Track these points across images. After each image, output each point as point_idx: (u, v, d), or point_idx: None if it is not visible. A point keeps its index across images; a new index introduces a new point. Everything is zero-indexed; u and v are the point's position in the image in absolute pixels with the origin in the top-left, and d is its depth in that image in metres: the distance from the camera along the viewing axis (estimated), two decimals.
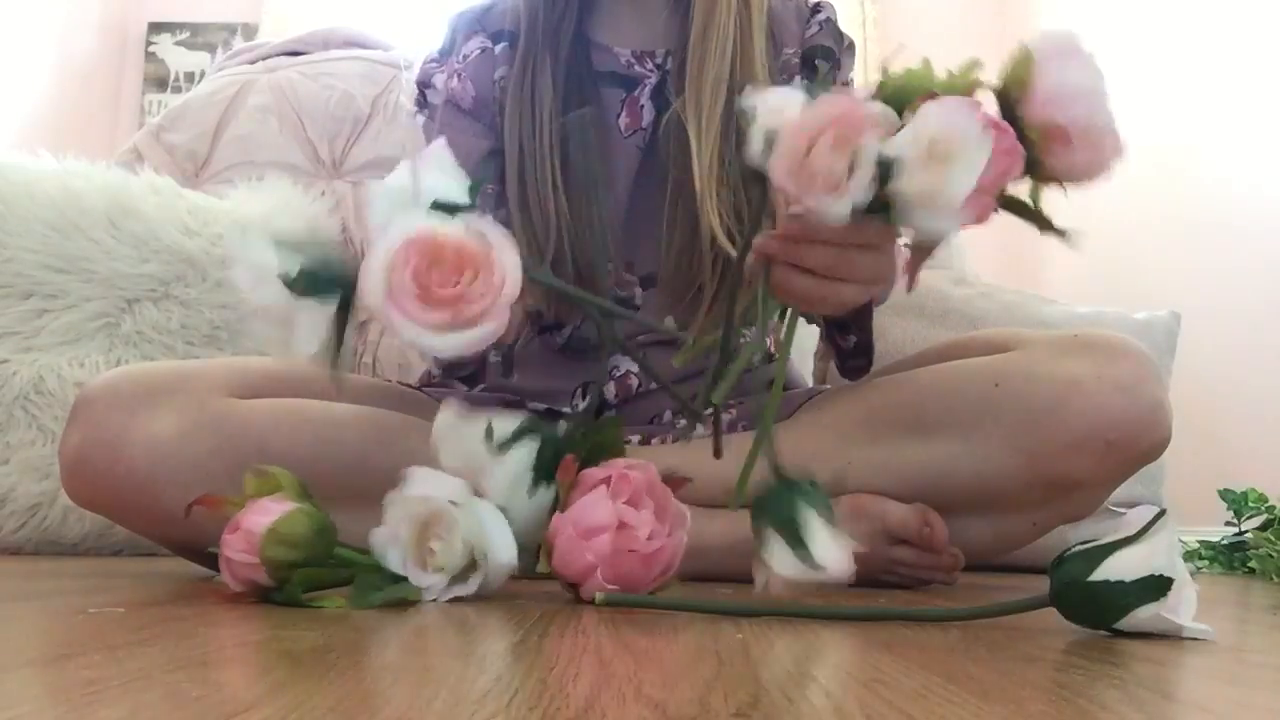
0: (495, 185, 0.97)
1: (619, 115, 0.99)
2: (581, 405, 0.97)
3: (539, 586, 0.74)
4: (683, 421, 0.96)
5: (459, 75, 1.01)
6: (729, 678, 0.38)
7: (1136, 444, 0.80)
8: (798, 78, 0.99)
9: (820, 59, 1.01)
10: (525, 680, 0.37)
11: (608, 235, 0.95)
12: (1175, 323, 1.49)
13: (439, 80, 1.03)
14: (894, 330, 1.42)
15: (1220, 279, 1.96)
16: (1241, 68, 1.96)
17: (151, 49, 3.14)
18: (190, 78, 3.11)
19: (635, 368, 0.97)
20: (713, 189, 0.92)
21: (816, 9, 1.04)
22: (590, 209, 0.95)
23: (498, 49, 1.01)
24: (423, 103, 1.06)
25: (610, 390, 0.97)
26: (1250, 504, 1.44)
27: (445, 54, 1.05)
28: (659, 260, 0.96)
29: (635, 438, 0.94)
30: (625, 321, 0.98)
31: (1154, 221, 2.15)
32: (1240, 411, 1.90)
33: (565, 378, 0.98)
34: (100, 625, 0.51)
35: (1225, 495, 1.44)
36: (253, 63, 1.71)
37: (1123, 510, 1.30)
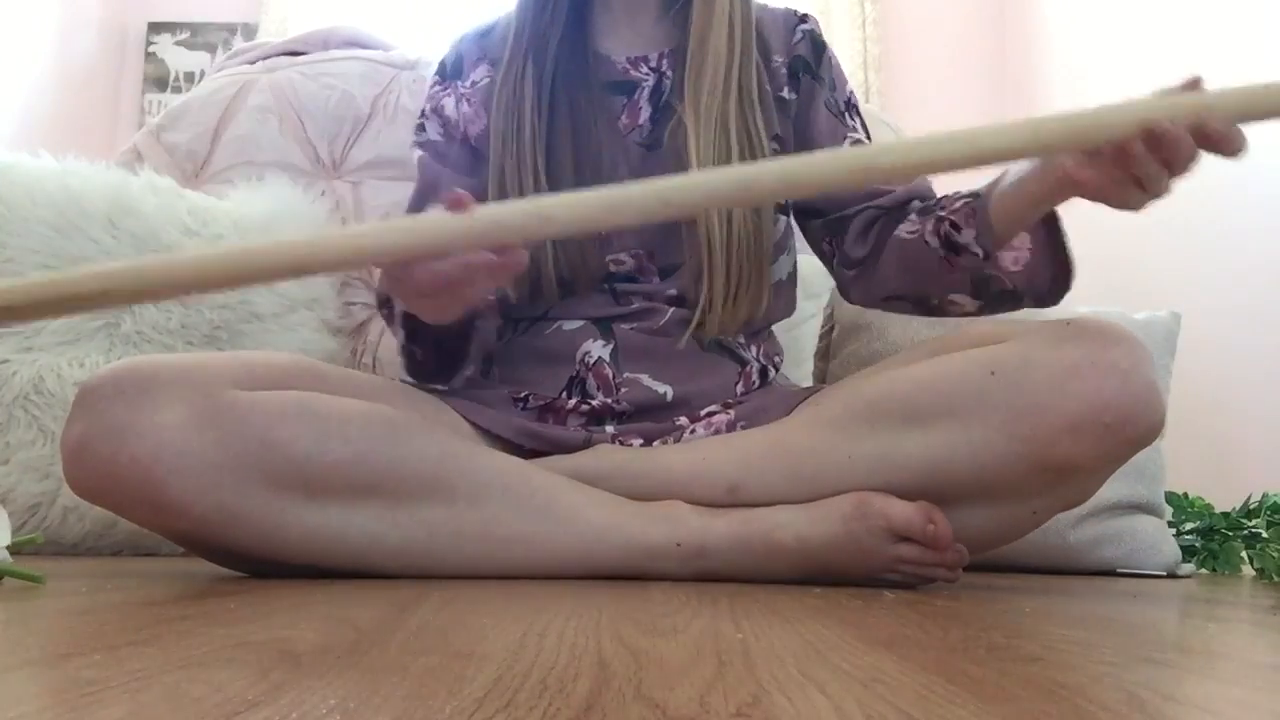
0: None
1: (620, 118, 1.03)
2: (570, 404, 0.97)
3: (538, 586, 0.74)
4: (683, 419, 0.96)
5: (468, 100, 1.06)
6: (729, 678, 0.38)
7: (1133, 426, 0.80)
8: (786, 88, 1.05)
9: (803, 73, 1.06)
10: (525, 680, 0.37)
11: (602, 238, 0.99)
12: (1175, 323, 1.49)
13: (449, 104, 1.07)
14: (894, 329, 1.42)
15: (1220, 279, 1.96)
16: (1242, 67, 1.96)
17: (151, 49, 3.14)
18: (190, 78, 3.11)
19: (607, 354, 0.98)
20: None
21: (803, 19, 1.09)
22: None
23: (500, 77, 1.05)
24: (423, 129, 1.08)
25: (592, 384, 0.98)
26: (1194, 509, 1.45)
27: (452, 76, 1.09)
28: (677, 252, 1.00)
29: (638, 440, 0.95)
30: (624, 292, 1.02)
31: (1154, 221, 2.14)
32: (1240, 411, 1.89)
33: (544, 376, 0.99)
34: (100, 625, 0.51)
35: (1170, 499, 1.44)
36: (253, 63, 1.71)
37: (1128, 511, 1.31)
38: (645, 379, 0.98)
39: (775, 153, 1.02)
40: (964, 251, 0.92)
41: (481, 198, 1.00)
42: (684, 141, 0.98)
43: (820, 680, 0.38)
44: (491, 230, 0.66)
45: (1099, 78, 2.46)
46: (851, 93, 1.09)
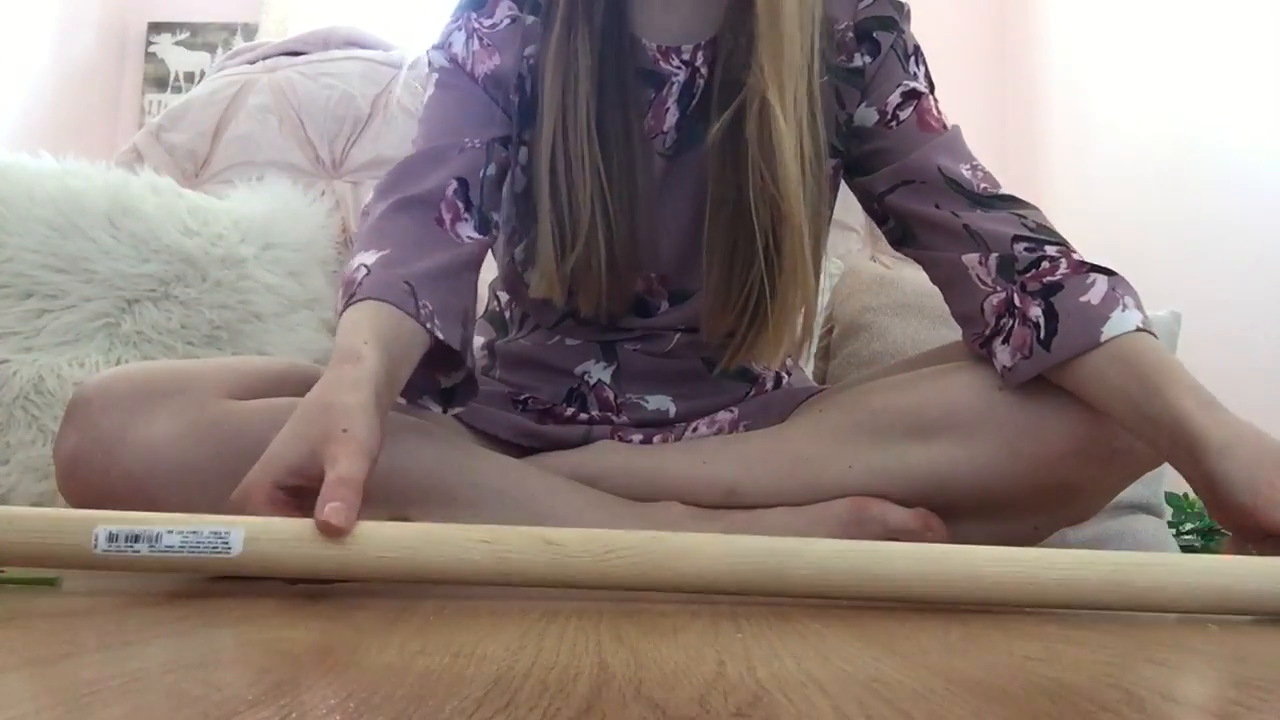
0: (497, 173, 0.91)
1: (646, 116, 0.92)
2: (569, 412, 0.96)
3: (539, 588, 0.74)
4: (681, 424, 0.96)
5: (482, 40, 0.94)
6: (729, 678, 0.38)
7: (1140, 452, 0.79)
8: (857, 54, 0.93)
9: (881, 30, 0.93)
10: (525, 680, 0.37)
11: (642, 240, 0.90)
12: (1175, 323, 1.49)
13: (458, 41, 0.94)
14: (894, 330, 1.41)
15: (1220, 279, 1.95)
16: (1242, 66, 1.96)
17: (151, 49, 3.14)
18: (190, 78, 3.11)
19: (607, 376, 0.96)
20: (803, 190, 0.85)
21: None
22: (635, 212, 0.89)
23: (529, 21, 0.93)
24: (438, 50, 0.96)
25: (592, 401, 0.96)
26: (1194, 509, 1.45)
27: (472, 7, 0.96)
28: (693, 278, 0.92)
29: (637, 436, 0.94)
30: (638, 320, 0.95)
31: (1154, 221, 2.15)
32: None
33: (545, 384, 0.97)
34: (100, 625, 0.51)
35: (1170, 499, 1.44)
36: (253, 63, 1.71)
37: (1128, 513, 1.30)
38: (649, 401, 0.96)
39: (842, 137, 0.93)
40: (988, 352, 0.85)
41: (487, 127, 0.89)
42: (770, 132, 0.84)
43: (820, 680, 0.38)
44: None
45: (1099, 78, 2.46)
46: (918, 46, 0.97)
